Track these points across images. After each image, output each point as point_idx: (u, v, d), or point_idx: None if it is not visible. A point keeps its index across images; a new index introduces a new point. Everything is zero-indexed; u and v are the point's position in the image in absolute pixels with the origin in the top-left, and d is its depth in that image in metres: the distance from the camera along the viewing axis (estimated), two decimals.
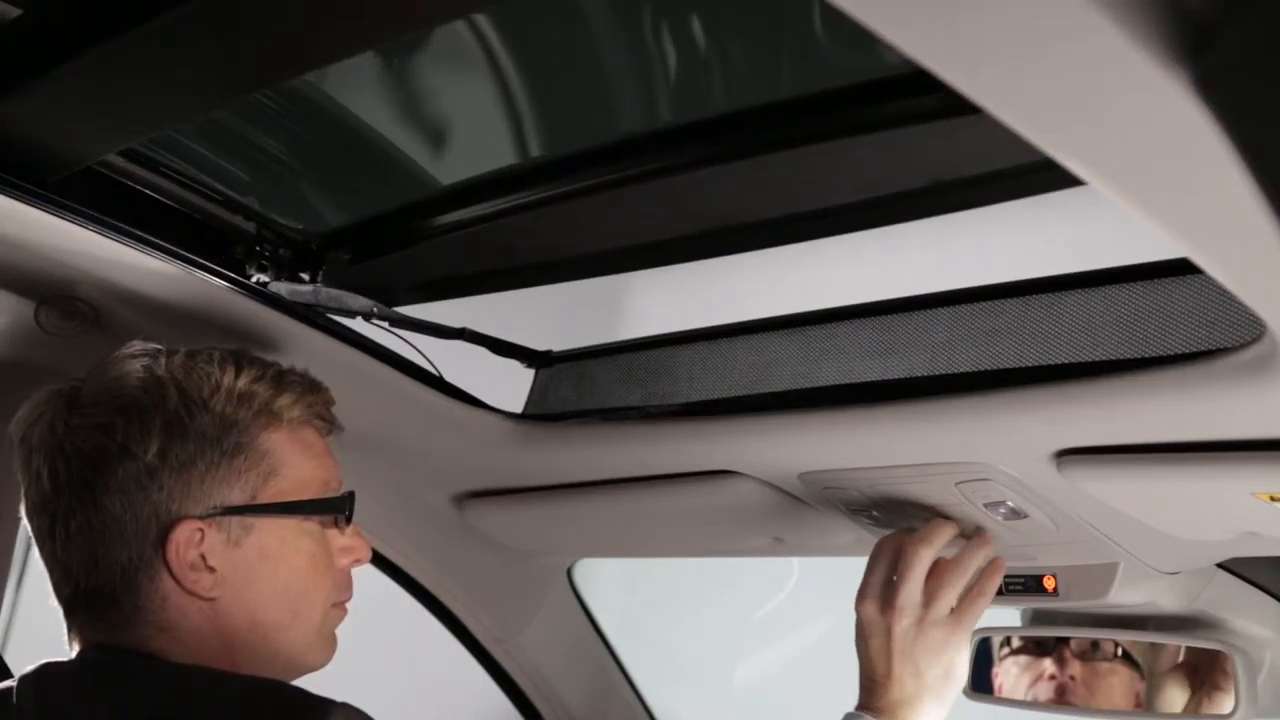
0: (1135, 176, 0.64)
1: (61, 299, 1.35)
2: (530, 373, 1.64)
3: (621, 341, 1.55)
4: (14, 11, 1.04)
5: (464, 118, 1.39)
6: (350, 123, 1.36)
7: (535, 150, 1.34)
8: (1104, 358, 1.12)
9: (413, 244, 1.46)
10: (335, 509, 1.15)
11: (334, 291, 1.43)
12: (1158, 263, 1.11)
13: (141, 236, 1.24)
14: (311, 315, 1.39)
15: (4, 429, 1.14)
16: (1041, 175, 1.04)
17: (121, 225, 1.23)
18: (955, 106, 0.94)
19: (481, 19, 1.19)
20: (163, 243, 1.25)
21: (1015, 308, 1.20)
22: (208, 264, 1.29)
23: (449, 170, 1.43)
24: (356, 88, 1.33)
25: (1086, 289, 1.16)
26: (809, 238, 1.26)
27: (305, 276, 1.47)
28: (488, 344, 1.54)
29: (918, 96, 1.02)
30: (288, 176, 1.53)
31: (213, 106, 1.21)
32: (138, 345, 1.13)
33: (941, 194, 1.15)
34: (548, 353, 1.61)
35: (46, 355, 1.40)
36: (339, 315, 1.43)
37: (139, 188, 1.33)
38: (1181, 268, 1.09)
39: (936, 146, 1.10)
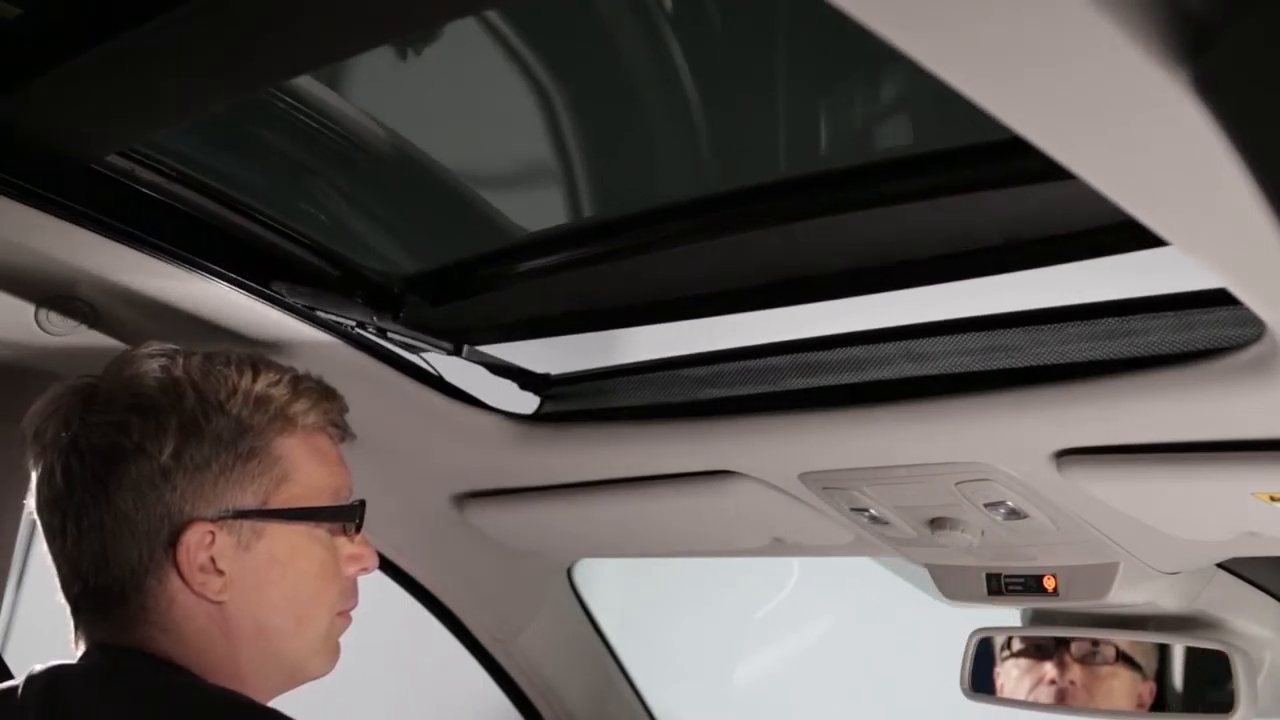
0: (1135, 176, 0.64)
1: (61, 299, 1.35)
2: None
3: (622, 365, 1.55)
4: (14, 11, 1.04)
5: (548, 169, 1.42)
6: (435, 171, 1.40)
7: (616, 205, 1.38)
8: (1104, 358, 1.12)
9: (492, 289, 1.48)
10: (345, 517, 1.15)
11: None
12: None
13: (141, 237, 1.24)
14: (312, 315, 1.39)
15: (4, 429, 1.14)
16: (1114, 236, 1.04)
17: (121, 225, 1.23)
18: (1030, 174, 0.99)
19: (563, 73, 1.24)
20: (162, 243, 1.26)
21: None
22: (207, 264, 1.29)
23: (530, 219, 1.46)
24: (440, 138, 1.36)
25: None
26: (880, 290, 1.27)
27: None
28: (485, 364, 1.54)
29: (995, 162, 1.05)
30: (372, 222, 1.57)
31: (215, 105, 1.21)
32: (155, 345, 1.13)
33: (1012, 252, 1.16)
34: (546, 375, 1.61)
35: (46, 355, 1.40)
36: (339, 318, 1.43)
37: (228, 231, 1.36)
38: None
39: (1011, 207, 1.11)
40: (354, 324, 1.44)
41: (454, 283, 1.51)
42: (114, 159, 1.27)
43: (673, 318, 1.42)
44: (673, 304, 1.41)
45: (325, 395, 1.16)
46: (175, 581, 1.06)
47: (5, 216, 1.17)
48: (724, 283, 1.35)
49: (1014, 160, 1.02)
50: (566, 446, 1.56)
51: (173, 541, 1.06)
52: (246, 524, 1.08)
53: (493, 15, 1.19)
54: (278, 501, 1.10)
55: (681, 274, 1.35)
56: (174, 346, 1.12)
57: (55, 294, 1.34)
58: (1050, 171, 0.61)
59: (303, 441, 1.13)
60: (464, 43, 1.21)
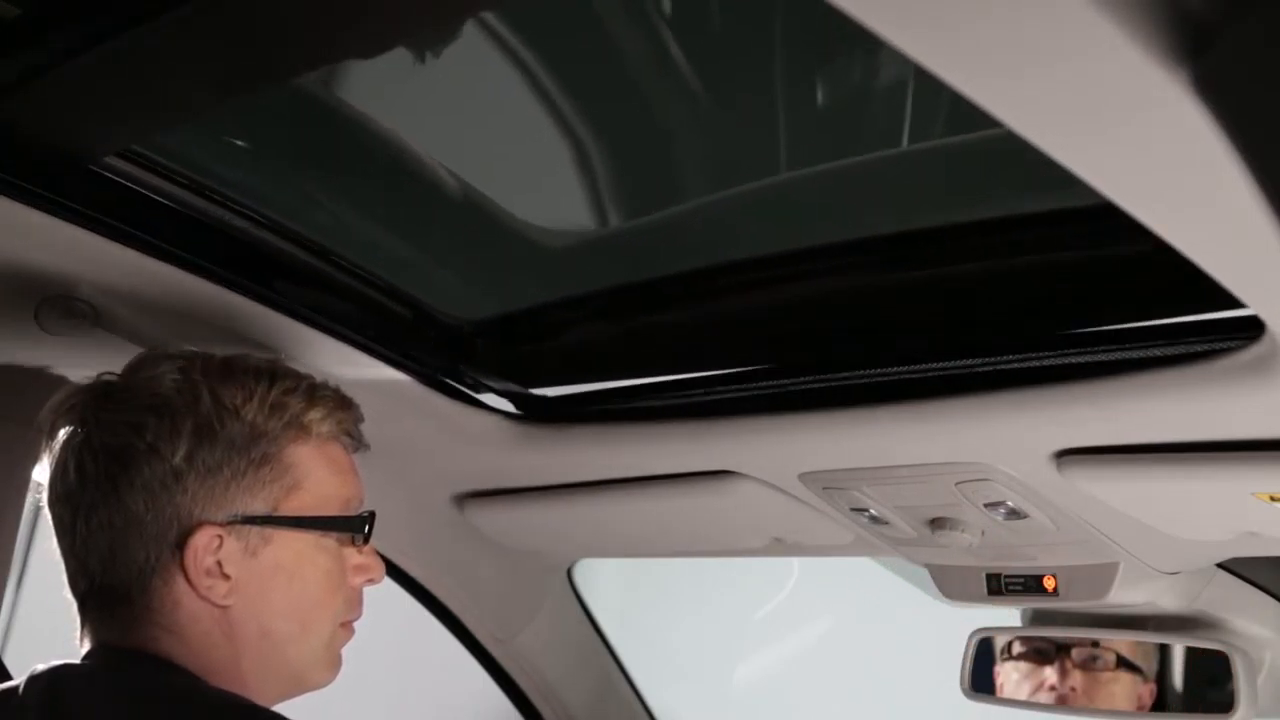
0: (1135, 176, 0.64)
1: (61, 299, 1.35)
2: None
3: (617, 387, 1.55)
4: (14, 11, 1.04)
5: (622, 226, 1.44)
6: (508, 221, 1.41)
7: (685, 256, 1.38)
8: (1104, 358, 1.12)
9: (560, 335, 1.50)
10: (354, 528, 1.15)
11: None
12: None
13: (141, 237, 1.24)
14: (312, 318, 1.39)
15: (4, 429, 1.14)
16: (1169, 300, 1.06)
17: (121, 225, 1.23)
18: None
19: (626, 136, 1.26)
20: (162, 243, 1.25)
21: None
22: (206, 264, 1.29)
23: (600, 269, 1.47)
24: (511, 192, 1.38)
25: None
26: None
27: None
28: (484, 384, 1.55)
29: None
30: (445, 268, 1.58)
31: (215, 106, 1.21)
32: (174, 347, 1.13)
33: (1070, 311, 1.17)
34: (543, 398, 1.61)
35: (46, 355, 1.40)
36: (338, 322, 1.43)
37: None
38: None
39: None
40: (351, 326, 1.44)
41: (523, 327, 1.53)
42: (114, 159, 1.27)
43: (740, 364, 1.42)
44: (734, 346, 1.42)
45: (341, 405, 1.16)
46: (181, 584, 1.06)
47: (5, 216, 1.17)
48: (780, 330, 1.36)
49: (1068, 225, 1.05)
50: (566, 446, 1.56)
51: (180, 544, 1.06)
52: (255, 530, 1.08)
53: (539, 61, 1.19)
54: (287, 509, 1.10)
55: (753, 324, 1.37)
56: (193, 349, 1.13)
57: (55, 294, 1.34)
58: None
59: (316, 450, 1.13)
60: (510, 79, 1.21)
